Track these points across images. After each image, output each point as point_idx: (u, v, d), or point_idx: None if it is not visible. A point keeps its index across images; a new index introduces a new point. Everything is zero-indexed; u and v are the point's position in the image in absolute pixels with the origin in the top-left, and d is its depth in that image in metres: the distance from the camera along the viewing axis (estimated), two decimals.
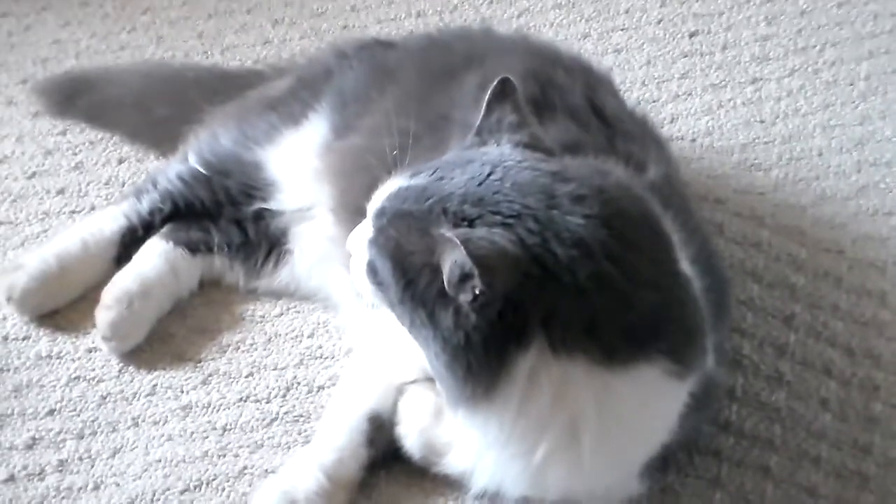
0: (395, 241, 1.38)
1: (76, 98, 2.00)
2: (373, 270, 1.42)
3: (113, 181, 1.94)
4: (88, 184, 1.94)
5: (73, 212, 1.90)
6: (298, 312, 1.75)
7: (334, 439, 1.55)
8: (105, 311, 1.70)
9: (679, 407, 1.42)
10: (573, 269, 1.32)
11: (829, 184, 1.94)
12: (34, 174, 1.95)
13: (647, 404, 1.38)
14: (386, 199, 1.41)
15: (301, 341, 1.72)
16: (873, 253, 1.83)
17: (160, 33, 2.21)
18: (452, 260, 1.31)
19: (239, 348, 1.72)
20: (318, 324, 1.74)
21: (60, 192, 1.93)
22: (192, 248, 1.77)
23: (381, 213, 1.41)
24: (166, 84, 1.98)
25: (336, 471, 1.53)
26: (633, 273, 1.34)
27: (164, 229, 1.78)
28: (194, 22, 2.24)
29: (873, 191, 1.93)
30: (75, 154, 1.98)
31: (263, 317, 1.75)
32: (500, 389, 1.36)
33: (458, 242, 1.29)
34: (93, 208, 1.89)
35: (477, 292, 1.31)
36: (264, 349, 1.72)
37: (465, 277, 1.31)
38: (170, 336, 1.73)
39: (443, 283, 1.33)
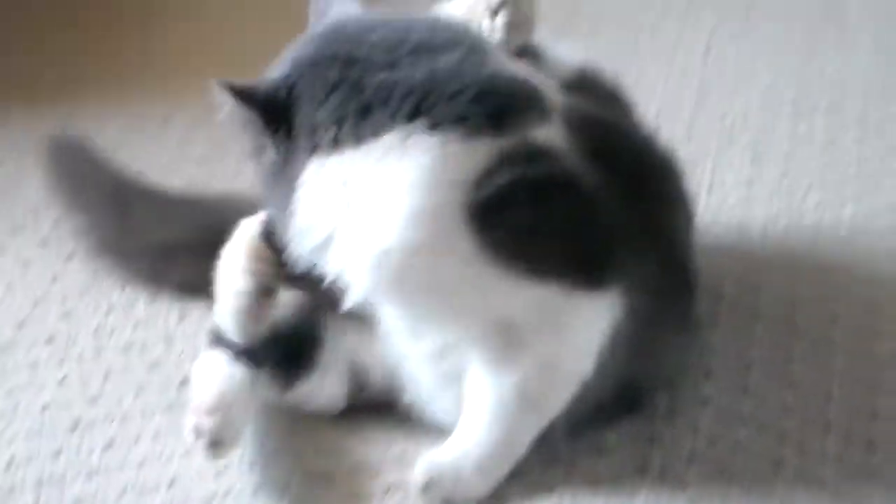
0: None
1: None
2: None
3: (101, 330, 1.94)
4: (77, 333, 1.94)
5: (62, 360, 1.90)
6: None
7: None
8: (208, 418, 1.68)
9: (453, 161, 1.54)
10: (312, 85, 1.59)
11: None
12: (23, 323, 1.96)
13: (401, 164, 1.55)
14: None
15: None
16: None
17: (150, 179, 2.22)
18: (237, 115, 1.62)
19: None
20: None
21: (49, 341, 1.93)
22: None
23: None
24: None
25: None
26: (362, 64, 1.58)
27: None
28: (185, 167, 2.26)
29: None
30: (65, 303, 1.99)
31: None
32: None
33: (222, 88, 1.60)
34: (81, 358, 1.90)
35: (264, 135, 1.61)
36: None
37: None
38: None
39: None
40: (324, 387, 1.77)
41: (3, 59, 2.54)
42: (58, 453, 1.76)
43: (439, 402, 1.72)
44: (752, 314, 1.94)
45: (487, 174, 1.55)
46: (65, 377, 1.87)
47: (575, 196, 1.59)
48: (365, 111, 1.56)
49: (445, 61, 1.58)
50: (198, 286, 1.87)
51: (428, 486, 1.65)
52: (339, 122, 1.57)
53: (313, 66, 1.60)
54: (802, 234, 2.10)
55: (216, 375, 1.74)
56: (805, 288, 1.98)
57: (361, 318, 1.72)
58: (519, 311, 1.60)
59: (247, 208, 1.81)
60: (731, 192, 2.18)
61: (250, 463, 1.73)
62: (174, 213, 2.01)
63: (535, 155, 1.57)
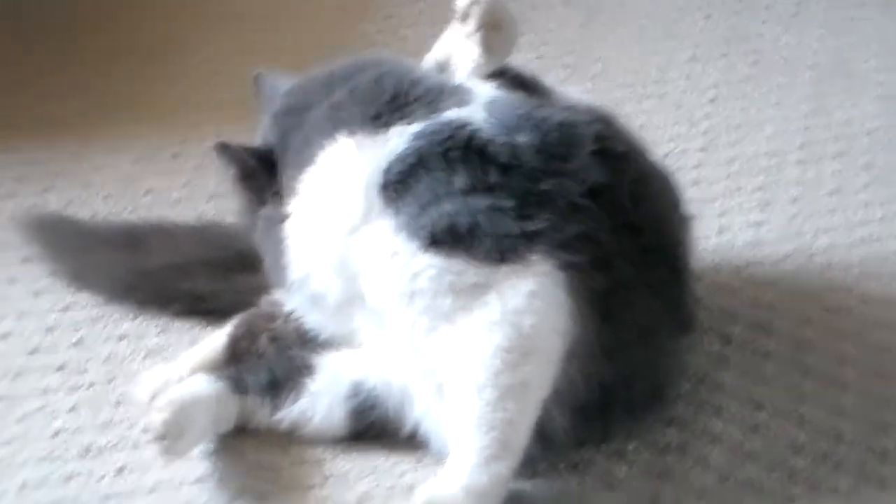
0: None
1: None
2: None
3: (112, 358, 1.94)
4: (88, 360, 1.94)
5: (73, 388, 1.90)
6: None
7: None
8: (158, 414, 1.71)
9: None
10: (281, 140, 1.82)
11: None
12: (35, 350, 1.96)
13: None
14: None
15: None
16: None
17: (161, 213, 2.23)
18: None
19: None
20: None
21: (60, 368, 1.93)
22: None
23: None
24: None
25: None
26: (304, 110, 1.80)
27: None
28: (195, 203, 2.27)
29: None
30: (76, 331, 1.99)
31: None
32: None
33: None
34: (92, 385, 1.90)
35: None
36: None
37: None
38: None
39: None
40: (317, 410, 1.78)
41: (16, 93, 2.55)
42: (69, 478, 1.76)
43: (436, 419, 1.72)
44: (763, 354, 1.94)
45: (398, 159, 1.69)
46: (76, 404, 1.87)
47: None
48: (306, 142, 1.77)
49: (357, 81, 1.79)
50: (210, 298, 1.96)
51: None
52: (295, 164, 1.77)
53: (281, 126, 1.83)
54: (812, 276, 2.11)
55: (185, 384, 1.78)
56: (815, 329, 1.99)
57: (361, 342, 1.78)
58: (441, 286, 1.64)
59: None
60: (740, 234, 2.20)
61: None
62: (186, 237, 2.05)
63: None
